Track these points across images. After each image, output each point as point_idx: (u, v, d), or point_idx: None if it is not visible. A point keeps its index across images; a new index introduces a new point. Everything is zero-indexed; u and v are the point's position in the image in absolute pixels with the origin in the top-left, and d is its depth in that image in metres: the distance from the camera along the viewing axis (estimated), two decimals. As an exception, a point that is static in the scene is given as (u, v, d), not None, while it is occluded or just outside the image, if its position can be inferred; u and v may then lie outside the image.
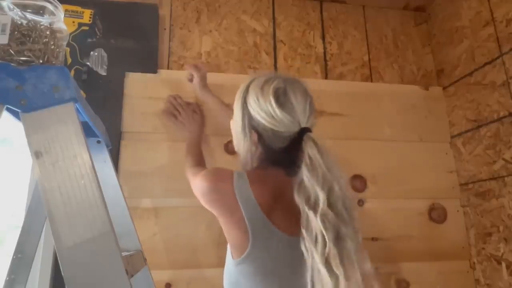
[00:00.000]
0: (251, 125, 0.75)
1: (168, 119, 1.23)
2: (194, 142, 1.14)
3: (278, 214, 0.73)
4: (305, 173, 0.68)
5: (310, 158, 0.69)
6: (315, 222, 0.64)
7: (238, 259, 0.73)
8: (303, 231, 0.65)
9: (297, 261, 0.66)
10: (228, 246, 0.79)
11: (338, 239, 0.64)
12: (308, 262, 0.64)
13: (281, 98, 0.72)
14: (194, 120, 1.20)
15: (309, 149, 0.69)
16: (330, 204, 0.65)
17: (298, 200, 0.68)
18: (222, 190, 0.74)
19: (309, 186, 0.67)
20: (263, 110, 0.72)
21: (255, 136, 0.75)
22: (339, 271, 0.62)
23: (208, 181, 0.75)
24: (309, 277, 0.63)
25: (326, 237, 0.63)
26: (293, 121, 0.72)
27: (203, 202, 0.78)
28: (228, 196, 0.73)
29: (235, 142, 0.84)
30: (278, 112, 0.71)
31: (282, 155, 0.75)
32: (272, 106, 0.71)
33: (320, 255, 0.63)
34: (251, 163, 0.79)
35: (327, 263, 0.62)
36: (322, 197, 0.65)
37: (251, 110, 0.75)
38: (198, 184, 0.78)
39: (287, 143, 0.74)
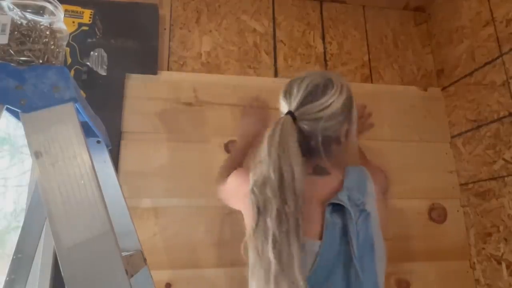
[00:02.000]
0: None
1: (245, 111, 1.19)
2: (239, 151, 1.07)
3: None
4: (262, 147, 0.73)
5: (272, 133, 0.72)
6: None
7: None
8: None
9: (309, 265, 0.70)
10: None
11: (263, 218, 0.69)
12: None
13: (287, 86, 0.81)
14: (255, 128, 1.07)
15: (276, 126, 0.73)
16: (280, 178, 0.68)
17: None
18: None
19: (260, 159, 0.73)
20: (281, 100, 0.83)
21: None
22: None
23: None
24: None
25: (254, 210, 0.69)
26: (284, 106, 0.79)
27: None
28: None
29: None
30: (280, 99, 0.81)
31: (304, 143, 0.77)
32: (280, 96, 0.82)
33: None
34: None
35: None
36: (265, 161, 0.70)
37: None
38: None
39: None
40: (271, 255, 0.65)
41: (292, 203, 0.67)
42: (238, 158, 1.03)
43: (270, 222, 0.66)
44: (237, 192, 0.85)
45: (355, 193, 0.73)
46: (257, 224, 0.68)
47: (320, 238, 0.71)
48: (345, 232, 0.71)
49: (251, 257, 0.70)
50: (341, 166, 0.79)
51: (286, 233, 0.66)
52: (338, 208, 0.72)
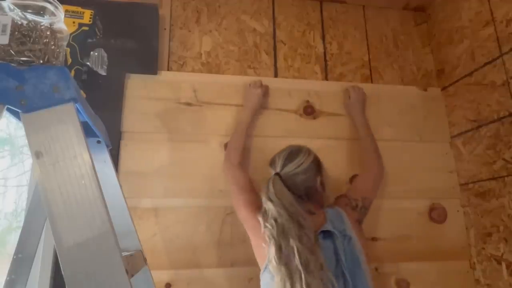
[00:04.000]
0: None
1: (251, 84, 1.32)
2: (244, 125, 1.25)
3: None
4: (263, 199, 0.99)
5: (267, 188, 1.00)
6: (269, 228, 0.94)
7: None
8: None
9: None
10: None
11: (286, 240, 0.91)
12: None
13: (272, 159, 1.11)
14: (258, 99, 1.29)
15: (269, 183, 1.01)
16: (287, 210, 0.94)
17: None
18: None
19: (270, 210, 0.96)
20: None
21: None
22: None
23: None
24: None
25: (273, 240, 0.91)
26: (271, 171, 1.08)
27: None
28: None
29: None
30: (269, 166, 1.11)
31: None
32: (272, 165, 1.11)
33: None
34: None
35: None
36: (270, 207, 0.96)
37: None
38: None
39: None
40: (300, 266, 0.85)
41: (305, 222, 0.92)
42: (243, 132, 1.23)
43: (293, 242, 0.88)
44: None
45: (336, 223, 1.00)
46: (280, 247, 0.90)
47: None
48: (335, 252, 0.94)
49: (277, 274, 0.88)
50: (321, 207, 1.08)
51: (308, 246, 0.89)
52: (327, 235, 0.97)
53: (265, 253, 0.94)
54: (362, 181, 1.22)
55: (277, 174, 1.03)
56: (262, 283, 0.98)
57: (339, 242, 0.95)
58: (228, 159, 1.19)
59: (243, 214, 1.09)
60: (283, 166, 1.05)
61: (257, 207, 1.03)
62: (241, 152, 1.19)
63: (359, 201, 1.10)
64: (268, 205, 0.96)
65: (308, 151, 1.09)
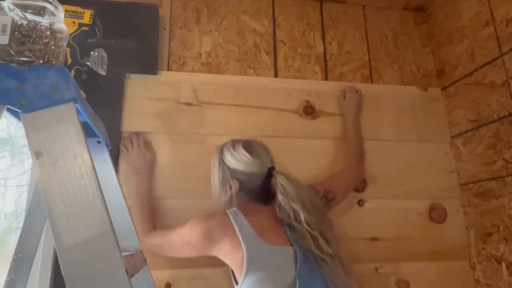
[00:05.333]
0: (231, 176, 1.01)
1: (121, 150, 1.20)
2: (145, 197, 1.14)
3: (267, 232, 0.94)
4: (280, 198, 0.96)
5: (282, 185, 0.97)
6: (302, 228, 0.92)
7: (242, 274, 0.88)
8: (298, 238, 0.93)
9: (293, 266, 0.88)
10: (232, 274, 0.94)
11: (321, 231, 0.93)
12: (306, 255, 0.90)
13: (249, 149, 1.01)
14: (144, 158, 1.18)
15: (280, 180, 0.98)
16: (307, 212, 0.93)
17: (281, 217, 0.96)
18: (225, 223, 0.93)
19: (286, 206, 0.95)
20: (240, 160, 1.00)
21: (236, 183, 1.00)
22: (329, 251, 0.91)
23: (211, 220, 0.95)
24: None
25: (313, 233, 0.91)
26: (261, 164, 1.01)
27: (204, 244, 0.94)
28: (230, 227, 0.92)
29: (215, 198, 1.05)
30: (251, 158, 1.00)
31: (259, 191, 1.01)
32: (245, 155, 1.00)
33: (313, 245, 0.91)
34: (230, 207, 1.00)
35: (319, 249, 0.90)
36: (301, 210, 0.93)
37: (229, 164, 1.01)
38: (196, 227, 0.95)
39: (261, 181, 1.01)
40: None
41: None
42: (147, 210, 1.13)
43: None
44: (210, 236, 0.94)
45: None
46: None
47: (291, 245, 0.92)
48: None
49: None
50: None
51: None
52: (291, 227, 0.97)
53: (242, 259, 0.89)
54: (335, 177, 1.21)
55: (273, 169, 1.03)
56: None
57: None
58: (142, 242, 0.97)
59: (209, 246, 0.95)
60: (271, 159, 1.06)
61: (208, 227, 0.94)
62: (151, 227, 1.10)
63: (320, 192, 1.09)
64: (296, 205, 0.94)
65: None
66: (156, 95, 1.29)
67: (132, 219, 0.87)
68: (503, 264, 1.19)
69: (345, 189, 1.20)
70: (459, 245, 1.34)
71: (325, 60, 1.47)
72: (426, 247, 1.31)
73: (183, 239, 0.98)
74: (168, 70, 1.34)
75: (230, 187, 1.01)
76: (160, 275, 1.13)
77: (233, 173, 1.01)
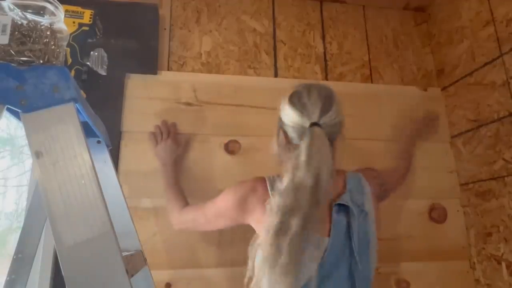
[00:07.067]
0: (279, 125, 0.88)
1: (150, 141, 1.20)
2: (173, 181, 1.12)
3: None
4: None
5: (301, 147, 0.78)
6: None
7: None
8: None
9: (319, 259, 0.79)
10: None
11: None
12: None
13: (293, 99, 0.85)
14: (170, 153, 1.16)
15: (304, 138, 0.78)
16: (317, 183, 0.74)
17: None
18: (260, 190, 0.86)
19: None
20: (283, 110, 0.86)
21: (282, 136, 0.87)
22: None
23: (244, 187, 0.88)
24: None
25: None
26: (302, 117, 0.81)
27: (236, 213, 0.89)
28: (265, 195, 0.84)
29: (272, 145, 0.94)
30: (289, 109, 0.84)
31: None
32: (286, 105, 0.85)
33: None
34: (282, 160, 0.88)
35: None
36: (308, 179, 0.74)
37: (280, 113, 0.88)
38: (228, 197, 0.90)
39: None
40: (286, 250, 0.71)
41: (321, 205, 0.75)
42: (177, 189, 1.11)
43: (294, 222, 0.72)
44: (242, 204, 0.89)
45: (356, 194, 0.86)
46: (281, 223, 0.73)
47: (328, 235, 0.81)
48: (348, 229, 0.82)
49: (266, 252, 0.74)
50: (337, 170, 0.88)
51: (307, 231, 0.73)
52: (342, 208, 0.84)
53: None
54: (389, 173, 1.10)
55: (316, 124, 0.80)
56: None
57: (354, 219, 0.82)
58: (176, 220, 1.06)
59: (243, 216, 0.90)
60: (322, 113, 0.81)
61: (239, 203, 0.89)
62: (184, 203, 1.07)
63: (386, 183, 0.99)
64: (302, 166, 0.74)
65: (336, 95, 0.88)
66: (156, 95, 1.29)
67: (131, 219, 0.87)
68: (503, 264, 1.19)
69: (393, 186, 1.08)
70: (459, 245, 1.34)
71: (325, 60, 1.47)
72: (426, 247, 1.31)
73: (216, 210, 0.94)
74: (168, 70, 1.34)
75: (278, 138, 0.89)
76: (160, 275, 1.13)
77: (281, 122, 0.87)
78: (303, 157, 0.75)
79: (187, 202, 1.08)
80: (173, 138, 1.19)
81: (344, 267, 0.82)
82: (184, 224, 1.05)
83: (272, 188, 0.85)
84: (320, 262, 0.79)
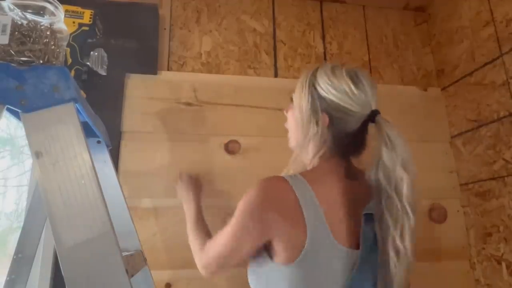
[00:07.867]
0: (322, 107, 0.73)
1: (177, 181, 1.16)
2: (195, 216, 1.01)
3: (338, 221, 0.68)
4: (385, 152, 0.68)
5: (389, 137, 0.69)
6: (399, 205, 0.65)
7: (290, 263, 0.66)
8: (385, 212, 0.66)
9: (346, 274, 0.66)
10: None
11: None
12: (385, 243, 0.65)
13: (355, 79, 0.73)
14: (187, 193, 1.09)
15: (387, 130, 0.69)
16: (409, 187, 0.65)
17: (376, 178, 0.68)
18: (283, 193, 0.67)
19: (390, 166, 0.67)
20: (339, 89, 0.72)
21: (326, 118, 0.73)
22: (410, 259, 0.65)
23: (260, 195, 0.68)
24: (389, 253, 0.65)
25: (408, 220, 0.65)
26: (366, 102, 0.73)
27: (260, 211, 0.68)
28: (290, 200, 0.67)
29: (294, 135, 0.80)
30: (355, 89, 0.72)
31: (350, 139, 0.75)
32: (348, 84, 0.72)
33: (399, 238, 0.64)
34: (312, 156, 0.75)
35: (401, 241, 0.64)
36: (406, 179, 0.65)
37: (322, 92, 0.74)
38: (244, 215, 0.71)
39: (359, 126, 0.74)
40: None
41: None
42: (200, 226, 0.97)
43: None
44: (284, 201, 0.68)
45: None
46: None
47: (357, 247, 0.68)
48: (375, 242, 0.68)
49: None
50: (359, 169, 0.77)
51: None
52: (370, 217, 0.69)
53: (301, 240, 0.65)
54: None
55: (377, 111, 0.73)
56: (279, 275, 0.68)
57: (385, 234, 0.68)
58: (208, 261, 0.83)
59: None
60: (376, 101, 0.75)
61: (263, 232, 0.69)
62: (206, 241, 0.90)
63: None
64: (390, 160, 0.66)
65: None
66: (156, 95, 1.29)
67: (131, 219, 0.87)
68: (503, 264, 1.18)
69: None
70: (459, 245, 1.34)
71: (325, 60, 1.47)
72: (426, 247, 1.31)
73: (235, 235, 0.73)
74: (168, 70, 1.34)
75: (317, 122, 0.72)
76: (160, 275, 1.13)
77: (325, 104, 0.73)
78: (399, 150, 0.67)
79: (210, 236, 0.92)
80: (194, 182, 1.12)
81: (370, 284, 0.68)
82: (214, 268, 0.81)
83: (300, 193, 0.67)
84: (349, 277, 0.66)
